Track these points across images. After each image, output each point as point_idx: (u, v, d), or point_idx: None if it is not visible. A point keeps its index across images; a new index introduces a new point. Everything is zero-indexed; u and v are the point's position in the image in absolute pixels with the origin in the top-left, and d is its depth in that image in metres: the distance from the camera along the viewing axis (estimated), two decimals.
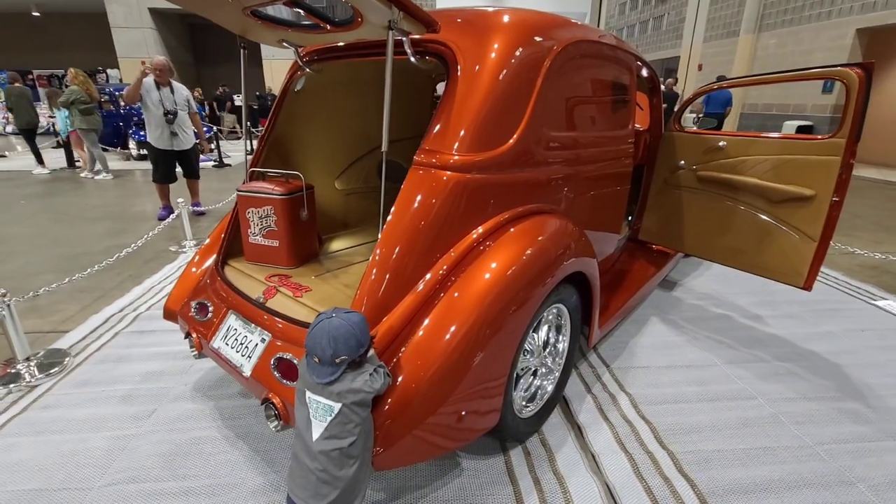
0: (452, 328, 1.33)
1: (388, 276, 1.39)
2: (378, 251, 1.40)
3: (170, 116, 4.43)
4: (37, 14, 17.49)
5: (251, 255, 1.99)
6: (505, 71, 1.50)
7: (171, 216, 3.84)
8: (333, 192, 2.58)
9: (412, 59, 1.53)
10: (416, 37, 1.55)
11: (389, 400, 1.26)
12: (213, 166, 8.71)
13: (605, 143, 2.05)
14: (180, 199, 4.04)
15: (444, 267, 1.44)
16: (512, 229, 1.56)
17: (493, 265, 1.45)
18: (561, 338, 1.91)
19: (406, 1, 1.30)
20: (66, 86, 7.02)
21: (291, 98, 2.13)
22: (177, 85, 4.60)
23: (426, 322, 1.36)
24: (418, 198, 1.43)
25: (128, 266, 3.55)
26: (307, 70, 2.00)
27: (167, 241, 4.15)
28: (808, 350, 2.46)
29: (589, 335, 2.02)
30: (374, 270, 1.39)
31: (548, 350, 1.88)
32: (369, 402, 1.14)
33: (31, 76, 17.98)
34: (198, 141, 4.96)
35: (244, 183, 1.98)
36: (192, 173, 4.97)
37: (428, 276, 1.43)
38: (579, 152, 1.88)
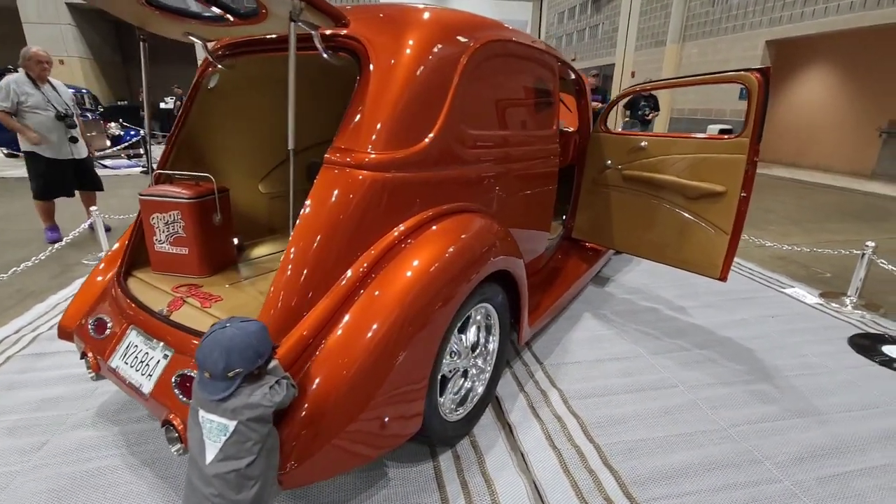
0: (369, 331, 1.28)
1: (299, 282, 1.32)
2: (288, 255, 1.33)
3: (68, 119, 3.74)
4: None
5: (158, 265, 1.84)
6: (420, 67, 1.48)
7: (62, 237, 3.45)
8: (257, 196, 2.45)
9: (324, 55, 1.48)
10: (326, 32, 1.49)
11: (303, 410, 1.19)
12: (142, 172, 8.15)
13: (529, 142, 2.08)
14: (94, 208, 3.72)
15: (361, 268, 1.38)
16: (432, 228, 1.53)
17: (413, 264, 1.41)
18: (491, 338, 1.90)
19: None
20: None
21: (205, 96, 2.00)
22: (56, 81, 3.87)
23: (341, 326, 1.30)
24: (332, 198, 1.37)
25: (29, 282, 3.21)
26: (219, 66, 1.89)
27: (80, 253, 3.79)
28: (724, 337, 2.61)
29: (518, 334, 2.03)
30: (285, 276, 1.32)
31: (478, 351, 1.86)
32: (269, 417, 1.06)
33: None
34: (88, 150, 4.14)
35: (149, 186, 1.83)
36: (97, 184, 4.17)
37: (344, 278, 1.37)
38: (502, 151, 1.89)
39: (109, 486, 1.54)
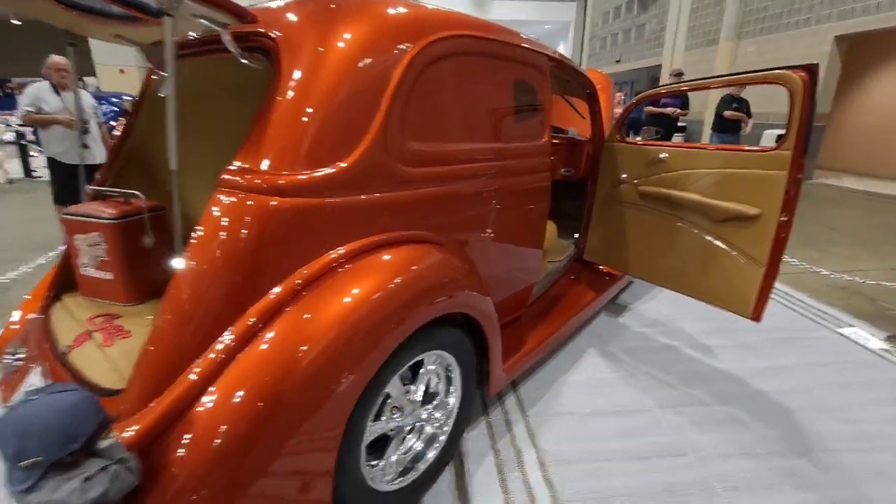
0: (257, 386, 1.05)
1: (179, 335, 1.10)
2: (166, 303, 1.11)
3: (84, 125, 3.78)
4: (16, 22, 17.19)
5: (85, 289, 1.68)
6: (343, 69, 1.22)
7: None
8: None
9: (240, 58, 1.26)
10: (239, 30, 1.26)
11: (175, 482, 0.97)
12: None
13: (507, 155, 1.76)
14: None
15: (261, 311, 1.14)
16: (356, 265, 1.26)
17: (326, 307, 1.16)
18: (451, 390, 1.61)
19: None
20: None
21: (155, 104, 1.84)
22: (80, 91, 3.90)
23: (227, 379, 1.06)
24: (225, 232, 1.13)
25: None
26: (160, 72, 1.72)
27: None
28: (756, 390, 2.16)
29: (488, 383, 1.71)
30: (161, 327, 1.10)
31: (436, 403, 1.58)
32: None
33: (9, 85, 17.64)
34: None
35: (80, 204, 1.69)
36: None
37: (241, 322, 1.13)
38: (468, 168, 1.59)
39: None
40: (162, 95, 1.85)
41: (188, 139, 1.99)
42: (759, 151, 2.05)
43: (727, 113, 6.20)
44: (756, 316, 2.06)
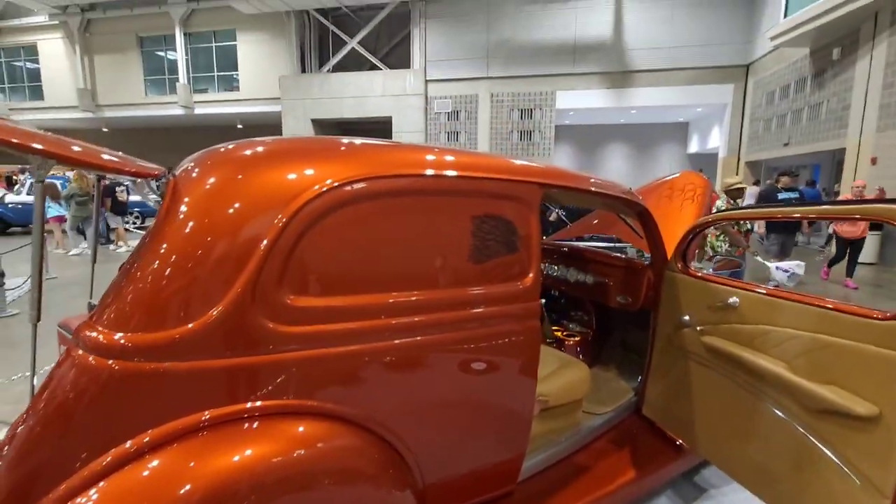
0: None
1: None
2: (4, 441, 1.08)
3: None
4: (240, 127, 22.71)
5: None
6: (200, 220, 1.12)
7: None
8: None
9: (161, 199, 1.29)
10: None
11: None
12: None
13: (462, 305, 1.43)
14: None
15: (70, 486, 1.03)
16: (191, 441, 1.08)
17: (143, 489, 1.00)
18: None
19: (55, 151, 1.05)
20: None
21: None
22: None
23: None
24: (58, 388, 1.08)
25: None
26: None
27: None
28: None
29: None
30: None
31: None
32: None
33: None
34: None
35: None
36: None
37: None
38: (390, 323, 1.31)
39: None
40: None
41: None
42: (869, 317, 1.36)
43: None
44: None
